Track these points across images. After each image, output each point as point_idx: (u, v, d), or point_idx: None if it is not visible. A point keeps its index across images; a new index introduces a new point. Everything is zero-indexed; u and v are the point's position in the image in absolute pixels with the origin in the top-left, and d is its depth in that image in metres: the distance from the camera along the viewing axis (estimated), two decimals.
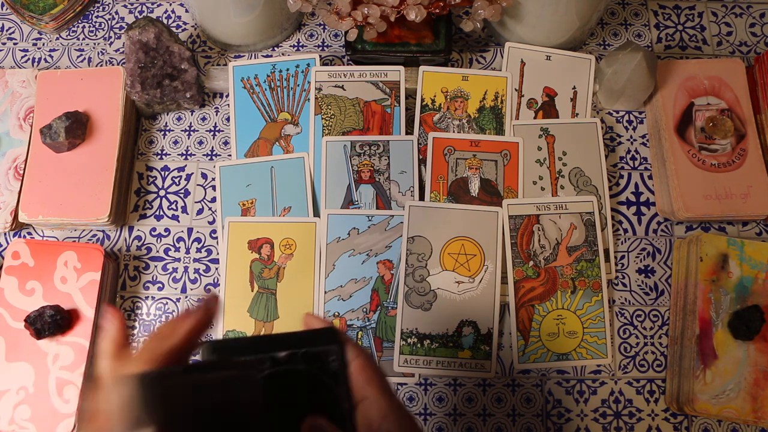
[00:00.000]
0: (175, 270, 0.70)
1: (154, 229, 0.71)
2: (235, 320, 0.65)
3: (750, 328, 0.60)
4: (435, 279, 0.66)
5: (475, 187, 0.69)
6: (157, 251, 0.70)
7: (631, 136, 0.74)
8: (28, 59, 0.79)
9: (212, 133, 0.75)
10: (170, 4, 0.81)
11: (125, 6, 0.81)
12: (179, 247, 0.70)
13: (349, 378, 0.33)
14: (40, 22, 0.78)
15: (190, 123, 0.75)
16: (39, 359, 0.61)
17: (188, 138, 0.75)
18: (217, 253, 0.70)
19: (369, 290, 0.66)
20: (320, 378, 0.32)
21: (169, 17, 0.80)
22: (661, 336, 0.67)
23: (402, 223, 0.67)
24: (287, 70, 0.74)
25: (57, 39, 0.80)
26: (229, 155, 0.73)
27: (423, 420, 0.64)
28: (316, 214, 0.69)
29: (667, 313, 0.68)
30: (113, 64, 0.78)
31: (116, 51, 0.79)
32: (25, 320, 0.60)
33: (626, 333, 0.67)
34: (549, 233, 0.67)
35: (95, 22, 0.81)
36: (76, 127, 0.68)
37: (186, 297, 0.69)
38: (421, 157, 0.70)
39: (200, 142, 0.74)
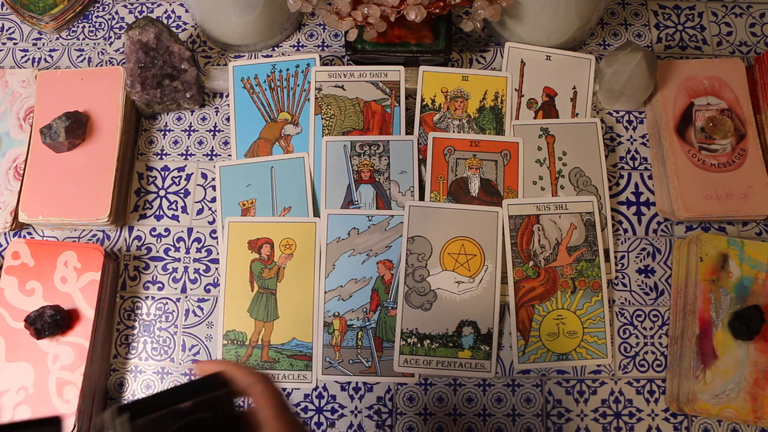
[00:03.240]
0: (175, 270, 0.70)
1: (154, 229, 0.71)
2: (235, 320, 0.65)
3: (750, 328, 0.60)
4: (435, 279, 0.66)
5: (475, 187, 0.69)
6: (157, 251, 0.70)
7: (631, 136, 0.74)
8: (28, 59, 0.79)
9: (212, 133, 0.75)
10: (170, 4, 0.81)
11: (125, 6, 0.81)
12: (179, 247, 0.70)
13: (240, 418, 0.36)
14: (40, 22, 0.78)
15: (190, 123, 0.75)
16: (39, 359, 0.61)
17: (188, 138, 0.75)
18: (217, 253, 0.70)
19: (369, 290, 0.66)
20: (220, 421, 0.34)
21: (169, 17, 0.80)
22: (661, 336, 0.67)
23: (402, 223, 0.67)
24: (287, 70, 0.74)
25: (57, 39, 0.80)
26: (229, 155, 0.73)
27: (423, 420, 0.65)
28: (316, 214, 0.69)
29: (667, 313, 0.68)
30: (113, 64, 0.78)
31: (116, 51, 0.79)
32: (25, 320, 0.60)
33: (626, 333, 0.67)
34: (549, 233, 0.67)
35: (95, 22, 0.81)
36: (76, 127, 0.68)
37: (186, 297, 0.69)
38: (421, 157, 0.70)
39: (200, 142, 0.74)
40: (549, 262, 0.66)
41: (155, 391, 0.35)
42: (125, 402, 0.34)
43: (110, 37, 0.80)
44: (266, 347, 0.65)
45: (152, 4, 0.81)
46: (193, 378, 0.38)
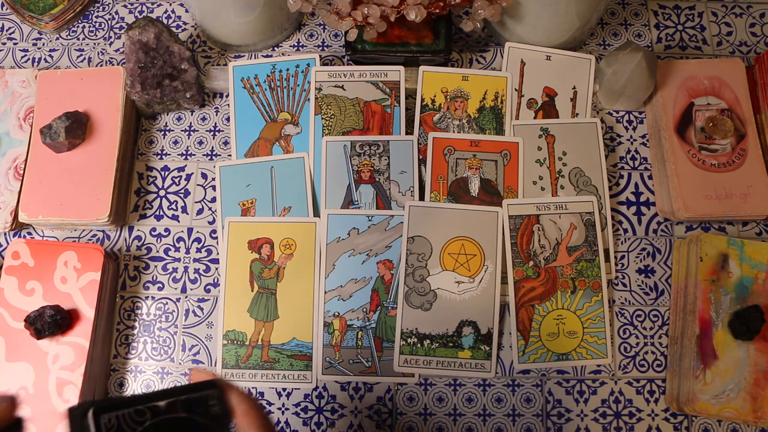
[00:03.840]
0: (175, 270, 0.70)
1: (154, 229, 0.71)
2: (235, 320, 0.65)
3: (750, 328, 0.60)
4: (435, 279, 0.66)
5: (475, 187, 0.69)
6: (157, 251, 0.70)
7: (631, 136, 0.74)
8: (28, 59, 0.79)
9: (212, 133, 0.75)
10: (170, 4, 0.81)
11: (125, 6, 0.81)
12: (179, 247, 0.71)
13: (230, 421, 0.34)
14: (40, 22, 0.78)
15: (190, 123, 0.75)
16: (39, 359, 0.61)
17: (188, 138, 0.75)
18: (217, 253, 0.70)
19: (369, 290, 0.66)
20: (201, 423, 0.33)
21: (169, 17, 0.80)
22: (661, 336, 0.67)
23: (402, 223, 0.67)
24: (287, 70, 0.74)
25: (57, 39, 0.80)
26: (229, 155, 0.73)
27: (423, 420, 0.65)
28: (316, 214, 0.69)
29: (667, 313, 0.68)
30: (113, 64, 0.78)
31: (116, 51, 0.79)
32: (25, 320, 0.60)
33: (626, 333, 0.67)
34: (549, 233, 0.67)
35: (95, 22, 0.81)
36: (76, 127, 0.68)
37: (186, 297, 0.69)
38: (421, 157, 0.70)
39: (200, 142, 0.74)
40: (549, 262, 0.66)
41: (133, 394, 0.33)
42: (95, 400, 0.32)
43: (110, 37, 0.80)
44: (266, 347, 0.65)
45: (152, 4, 0.81)
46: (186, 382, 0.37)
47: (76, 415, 0.30)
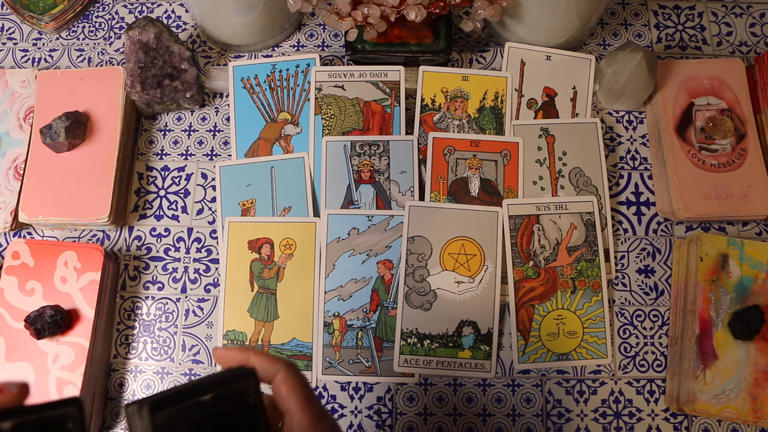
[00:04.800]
0: (175, 270, 0.70)
1: (154, 229, 0.71)
2: (235, 320, 0.65)
3: (750, 328, 0.60)
4: (435, 279, 0.66)
5: (475, 187, 0.69)
6: (157, 251, 0.70)
7: (631, 136, 0.74)
8: (28, 59, 0.79)
9: (212, 133, 0.75)
10: (170, 4, 0.81)
11: (125, 6, 0.81)
12: (179, 247, 0.71)
13: (265, 408, 0.35)
14: (40, 22, 0.78)
15: (190, 123, 0.75)
16: (39, 359, 0.61)
17: (188, 138, 0.75)
18: (217, 253, 0.70)
19: (369, 290, 0.66)
20: (241, 414, 0.34)
21: (169, 17, 0.80)
22: (661, 336, 0.67)
23: (402, 223, 0.67)
24: (287, 70, 0.74)
25: (57, 39, 0.80)
26: (229, 155, 0.73)
27: (423, 420, 0.64)
28: (316, 214, 0.69)
29: (667, 313, 0.68)
30: (113, 64, 0.78)
31: (116, 51, 0.79)
32: (25, 320, 0.60)
33: (626, 333, 0.67)
34: (549, 233, 0.67)
35: (95, 22, 0.81)
36: (76, 127, 0.68)
37: (186, 297, 0.69)
38: (421, 157, 0.70)
39: (200, 142, 0.74)
40: (549, 262, 0.66)
41: (177, 384, 0.34)
42: (147, 396, 0.33)
43: (110, 37, 0.80)
44: (266, 347, 0.65)
45: (152, 4, 0.81)
46: (214, 370, 0.38)
47: (132, 413, 0.32)
